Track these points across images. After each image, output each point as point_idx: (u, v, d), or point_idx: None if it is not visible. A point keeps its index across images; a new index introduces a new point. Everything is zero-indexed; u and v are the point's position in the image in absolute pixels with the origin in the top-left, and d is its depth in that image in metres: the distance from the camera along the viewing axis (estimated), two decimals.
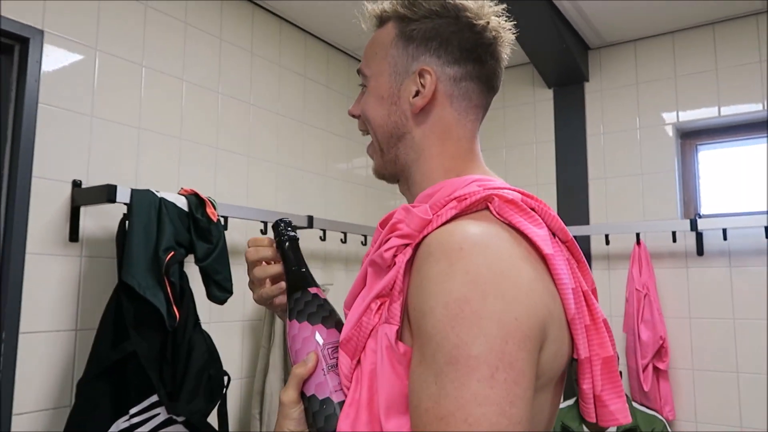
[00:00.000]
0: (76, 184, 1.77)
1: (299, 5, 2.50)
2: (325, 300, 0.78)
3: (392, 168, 0.82)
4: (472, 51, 0.77)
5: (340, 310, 0.82)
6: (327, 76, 2.85)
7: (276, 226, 0.82)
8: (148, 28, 2.05)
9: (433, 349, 0.57)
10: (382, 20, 0.82)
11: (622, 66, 2.93)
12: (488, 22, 0.77)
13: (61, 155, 1.75)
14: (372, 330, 0.67)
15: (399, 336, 0.65)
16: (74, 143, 1.79)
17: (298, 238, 0.82)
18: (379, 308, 0.68)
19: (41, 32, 1.73)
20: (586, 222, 2.90)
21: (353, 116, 0.85)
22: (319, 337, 0.72)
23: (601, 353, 0.68)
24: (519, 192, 0.71)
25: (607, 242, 2.74)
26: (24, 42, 1.70)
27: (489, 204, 0.69)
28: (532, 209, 0.70)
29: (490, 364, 0.55)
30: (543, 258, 0.66)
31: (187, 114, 2.16)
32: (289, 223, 0.83)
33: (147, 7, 2.05)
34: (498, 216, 0.67)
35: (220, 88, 2.30)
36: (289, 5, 2.50)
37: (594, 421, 0.69)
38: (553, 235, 0.72)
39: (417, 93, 0.77)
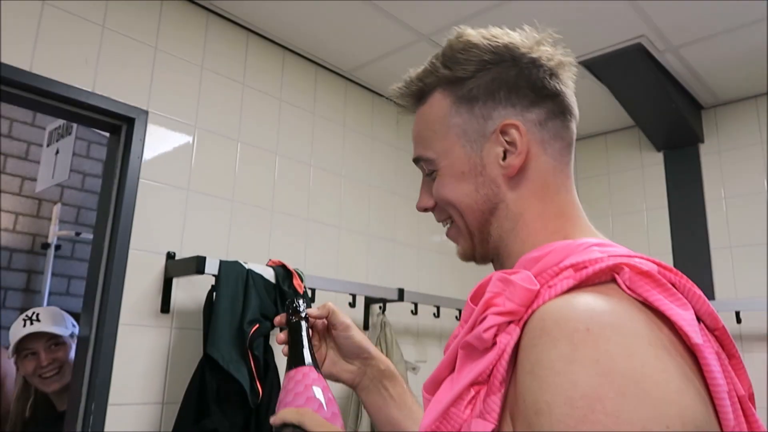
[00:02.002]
0: (170, 256, 1.80)
1: (391, 78, 2.51)
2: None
3: (483, 249, 0.71)
4: (544, 87, 0.67)
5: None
6: None
7: (289, 307, 0.87)
8: (245, 106, 2.13)
9: None
10: (422, 95, 0.73)
11: (743, 124, 2.67)
12: (543, 51, 0.69)
13: (157, 228, 1.81)
14: (463, 424, 0.55)
15: None
16: (170, 217, 1.85)
17: (293, 320, 0.84)
18: (472, 399, 0.55)
19: (146, 112, 1.83)
20: (711, 297, 2.57)
21: (425, 210, 0.76)
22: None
23: None
24: (654, 262, 0.57)
25: (738, 320, 2.39)
26: (130, 122, 1.81)
27: (616, 275, 0.55)
28: (672, 284, 0.55)
29: None
30: (689, 349, 0.51)
31: (280, 186, 2.19)
32: (292, 304, 0.86)
33: (245, 87, 2.14)
34: (629, 291, 0.53)
35: (312, 161, 2.32)
36: (380, 79, 2.53)
37: None
38: (698, 319, 0.56)
39: (505, 154, 0.67)
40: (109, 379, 1.63)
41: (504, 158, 0.67)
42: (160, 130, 1.87)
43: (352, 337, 0.87)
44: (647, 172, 2.90)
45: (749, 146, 2.64)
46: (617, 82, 2.45)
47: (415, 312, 2.39)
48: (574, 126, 0.71)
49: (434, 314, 2.48)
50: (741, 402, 0.52)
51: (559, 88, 0.69)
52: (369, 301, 2.31)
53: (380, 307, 2.28)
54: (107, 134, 1.91)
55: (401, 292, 2.26)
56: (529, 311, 0.54)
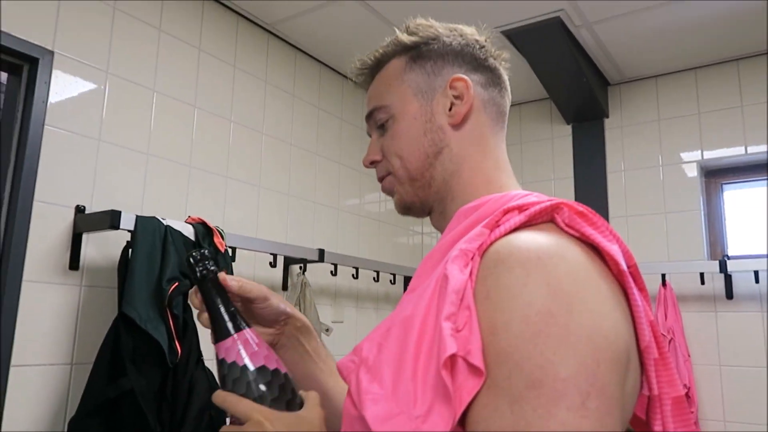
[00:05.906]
0: (79, 210, 1.69)
1: (314, 35, 2.46)
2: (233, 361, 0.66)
3: (424, 193, 0.76)
4: (486, 59, 0.78)
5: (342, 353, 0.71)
6: (341, 108, 2.80)
7: (188, 262, 0.69)
8: (162, 53, 2.00)
9: (509, 371, 0.50)
10: (379, 64, 0.81)
11: (643, 102, 2.87)
12: (486, 39, 0.80)
13: (65, 179, 1.68)
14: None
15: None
16: (80, 168, 1.72)
17: (206, 276, 0.69)
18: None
19: (51, 53, 1.68)
20: None
21: (373, 163, 0.80)
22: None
23: (671, 392, 0.60)
24: (583, 207, 0.64)
25: None
26: (33, 62, 1.65)
27: (556, 215, 0.62)
28: None
29: (581, 389, 0.48)
30: (615, 278, 0.59)
31: (198, 141, 2.10)
32: (201, 258, 0.69)
33: (161, 32, 2.01)
34: (567, 228, 0.61)
35: (232, 116, 2.24)
36: (303, 35, 2.47)
37: None
38: None
39: (451, 106, 0.75)
40: (12, 339, 1.52)
41: (450, 109, 0.75)
42: (67, 73, 1.72)
43: (269, 306, 0.80)
44: (556, 144, 3.05)
45: (647, 123, 2.84)
46: (535, 54, 2.54)
47: (334, 273, 2.40)
48: (508, 101, 0.81)
49: (353, 276, 2.50)
50: (652, 326, 0.60)
51: (496, 66, 0.79)
52: (289, 261, 2.29)
53: (300, 268, 2.27)
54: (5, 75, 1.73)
55: (322, 252, 2.26)
56: (483, 247, 0.59)
